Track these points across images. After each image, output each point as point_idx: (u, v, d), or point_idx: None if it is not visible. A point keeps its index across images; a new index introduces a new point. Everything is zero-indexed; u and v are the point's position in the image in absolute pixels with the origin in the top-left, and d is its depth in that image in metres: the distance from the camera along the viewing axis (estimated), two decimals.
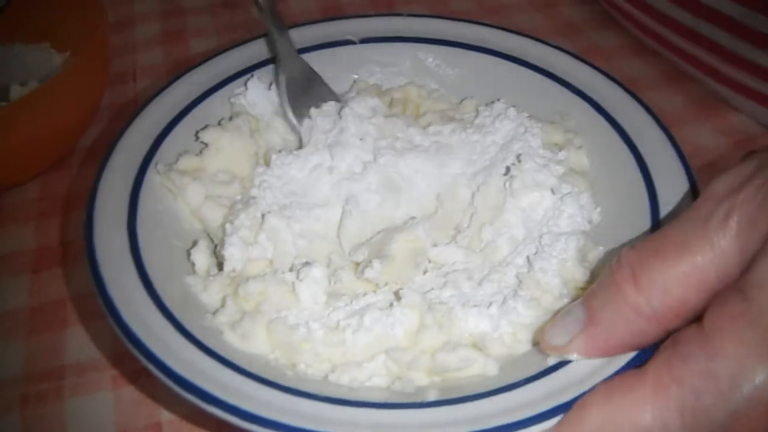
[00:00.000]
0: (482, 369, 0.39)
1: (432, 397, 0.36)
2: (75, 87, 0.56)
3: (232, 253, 0.44)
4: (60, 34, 0.65)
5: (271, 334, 0.41)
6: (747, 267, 0.31)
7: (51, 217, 0.58)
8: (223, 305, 0.42)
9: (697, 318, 0.33)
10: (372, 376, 0.39)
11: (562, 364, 0.37)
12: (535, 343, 0.40)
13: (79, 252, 0.43)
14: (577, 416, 0.34)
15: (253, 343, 0.41)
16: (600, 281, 0.36)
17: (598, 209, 0.47)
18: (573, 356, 0.36)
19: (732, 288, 0.32)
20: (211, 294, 0.43)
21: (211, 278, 0.44)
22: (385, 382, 0.39)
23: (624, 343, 0.35)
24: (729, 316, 0.31)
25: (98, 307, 0.39)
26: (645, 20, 0.65)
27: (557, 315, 0.38)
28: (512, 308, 0.41)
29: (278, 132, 0.53)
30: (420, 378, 0.39)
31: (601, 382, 0.34)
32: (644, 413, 0.32)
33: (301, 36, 0.55)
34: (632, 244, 0.36)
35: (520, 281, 0.43)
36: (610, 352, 0.36)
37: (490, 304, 0.41)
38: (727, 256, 0.32)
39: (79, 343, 0.50)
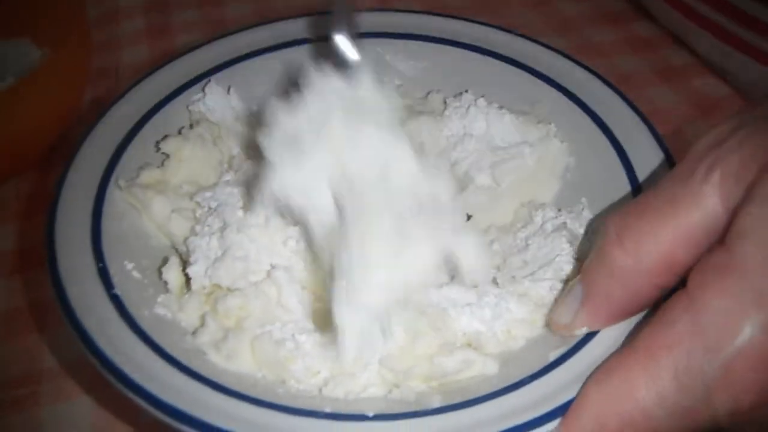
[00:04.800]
0: (482, 369, 0.38)
1: (436, 403, 0.35)
2: (53, 83, 0.55)
3: (197, 270, 0.42)
4: (41, 29, 0.62)
5: (256, 351, 0.39)
6: (730, 220, 0.31)
7: (31, 218, 0.56)
8: (203, 324, 0.40)
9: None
10: (367, 387, 0.38)
11: (564, 358, 0.36)
12: (546, 325, 0.39)
13: None
14: (578, 405, 0.33)
15: (239, 361, 0.39)
16: (592, 253, 0.36)
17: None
18: (581, 330, 0.36)
19: (715, 244, 0.31)
20: (188, 313, 0.41)
21: (187, 296, 0.42)
22: (382, 392, 0.38)
23: (624, 308, 0.35)
24: (712, 270, 0.30)
25: None
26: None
27: (560, 295, 0.39)
28: (504, 304, 0.40)
29: (241, 137, 0.51)
30: (417, 385, 0.38)
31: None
32: (638, 387, 0.31)
33: (257, 37, 0.53)
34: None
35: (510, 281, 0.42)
36: (615, 319, 0.36)
37: (482, 301, 0.40)
38: (711, 210, 0.31)
39: (56, 347, 0.48)
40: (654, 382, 0.30)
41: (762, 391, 0.29)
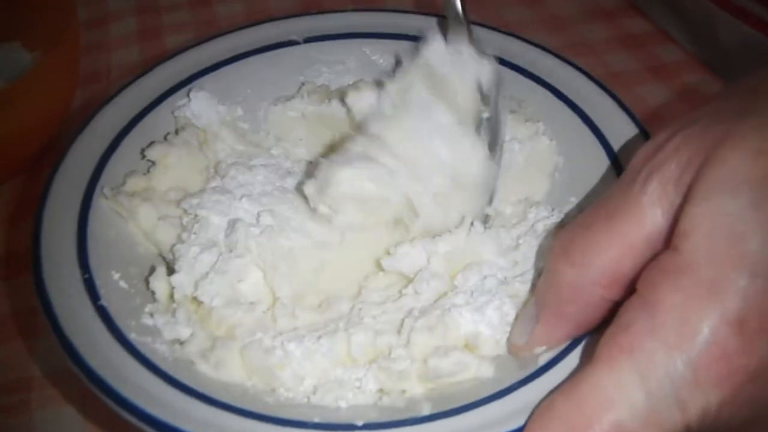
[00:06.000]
0: (477, 372, 0.38)
1: (426, 410, 0.35)
2: (43, 87, 0.54)
3: (180, 280, 0.41)
4: (31, 32, 0.62)
5: (246, 359, 0.39)
6: (673, 224, 0.31)
7: (19, 223, 0.56)
8: (191, 333, 0.40)
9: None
10: (357, 394, 0.38)
11: (554, 362, 0.36)
12: (509, 351, 0.39)
13: None
14: (542, 421, 0.32)
15: (228, 370, 0.38)
16: (543, 272, 0.36)
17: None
18: (539, 350, 0.36)
19: (662, 250, 0.31)
20: (176, 322, 0.40)
21: (175, 306, 0.41)
22: (372, 399, 0.38)
23: (578, 323, 0.35)
24: (661, 271, 0.30)
25: None
26: None
27: (516, 318, 0.39)
28: (498, 306, 0.40)
29: (227, 142, 0.51)
30: (412, 386, 0.38)
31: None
32: (607, 394, 0.30)
33: (242, 39, 0.53)
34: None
35: (501, 282, 0.41)
36: (570, 335, 0.36)
37: (478, 303, 0.40)
38: (650, 220, 0.32)
39: (46, 354, 0.48)
40: (621, 387, 0.29)
41: (730, 383, 0.29)
